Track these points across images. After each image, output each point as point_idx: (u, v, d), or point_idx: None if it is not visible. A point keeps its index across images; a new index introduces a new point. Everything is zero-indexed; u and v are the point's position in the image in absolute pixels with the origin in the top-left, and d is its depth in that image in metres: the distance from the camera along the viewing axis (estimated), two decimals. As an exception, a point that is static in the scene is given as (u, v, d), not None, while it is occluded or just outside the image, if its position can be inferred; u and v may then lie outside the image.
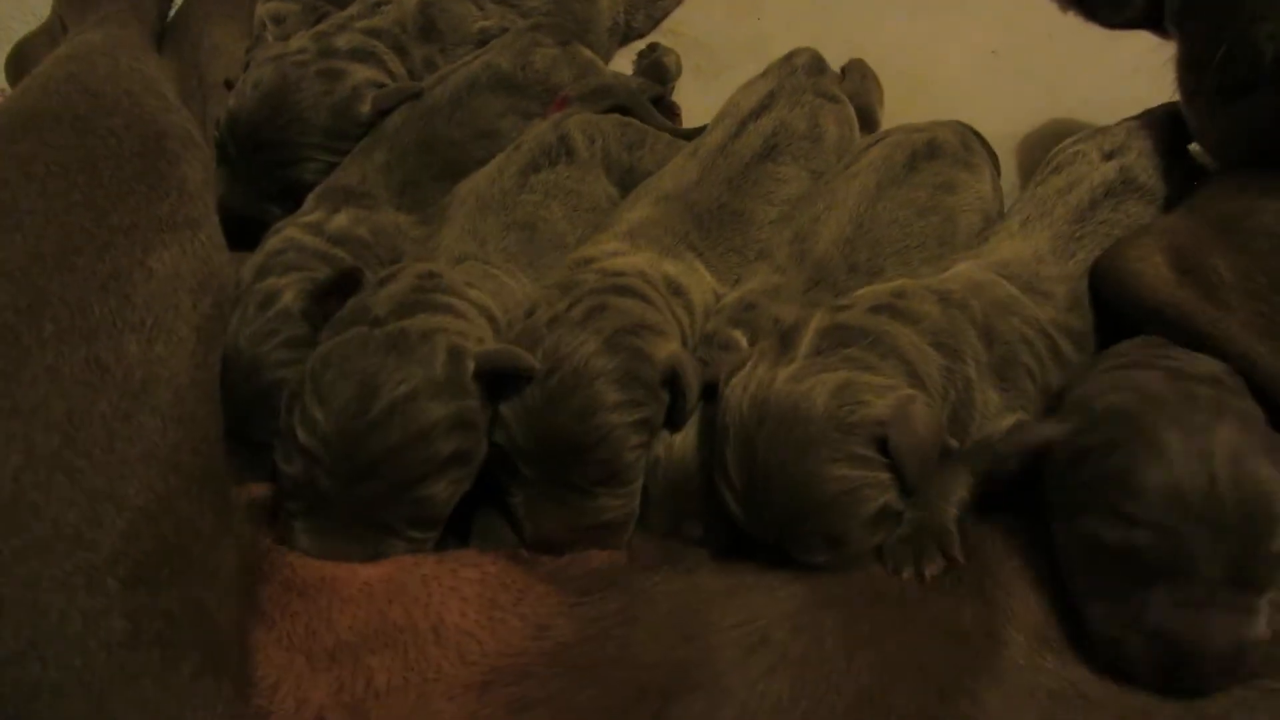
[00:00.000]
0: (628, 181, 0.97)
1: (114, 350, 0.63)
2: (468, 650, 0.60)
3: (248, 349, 0.76)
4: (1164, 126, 0.93)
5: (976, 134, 0.97)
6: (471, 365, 0.71)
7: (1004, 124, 1.00)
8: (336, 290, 0.79)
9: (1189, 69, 0.89)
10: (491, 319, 0.78)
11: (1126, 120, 0.95)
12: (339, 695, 0.58)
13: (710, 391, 0.74)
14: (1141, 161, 0.89)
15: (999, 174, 0.97)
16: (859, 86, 1.13)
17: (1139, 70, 0.96)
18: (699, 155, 0.93)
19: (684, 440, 0.74)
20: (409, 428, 0.68)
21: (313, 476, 0.69)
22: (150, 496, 0.60)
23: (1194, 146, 0.93)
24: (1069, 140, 0.95)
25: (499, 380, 0.72)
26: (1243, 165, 0.85)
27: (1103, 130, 0.95)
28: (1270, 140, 0.82)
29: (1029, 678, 0.59)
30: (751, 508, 0.66)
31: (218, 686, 0.57)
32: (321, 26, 1.09)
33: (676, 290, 0.81)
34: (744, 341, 0.78)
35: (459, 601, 0.63)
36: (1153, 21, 1.16)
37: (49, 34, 1.11)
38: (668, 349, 0.74)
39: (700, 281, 0.85)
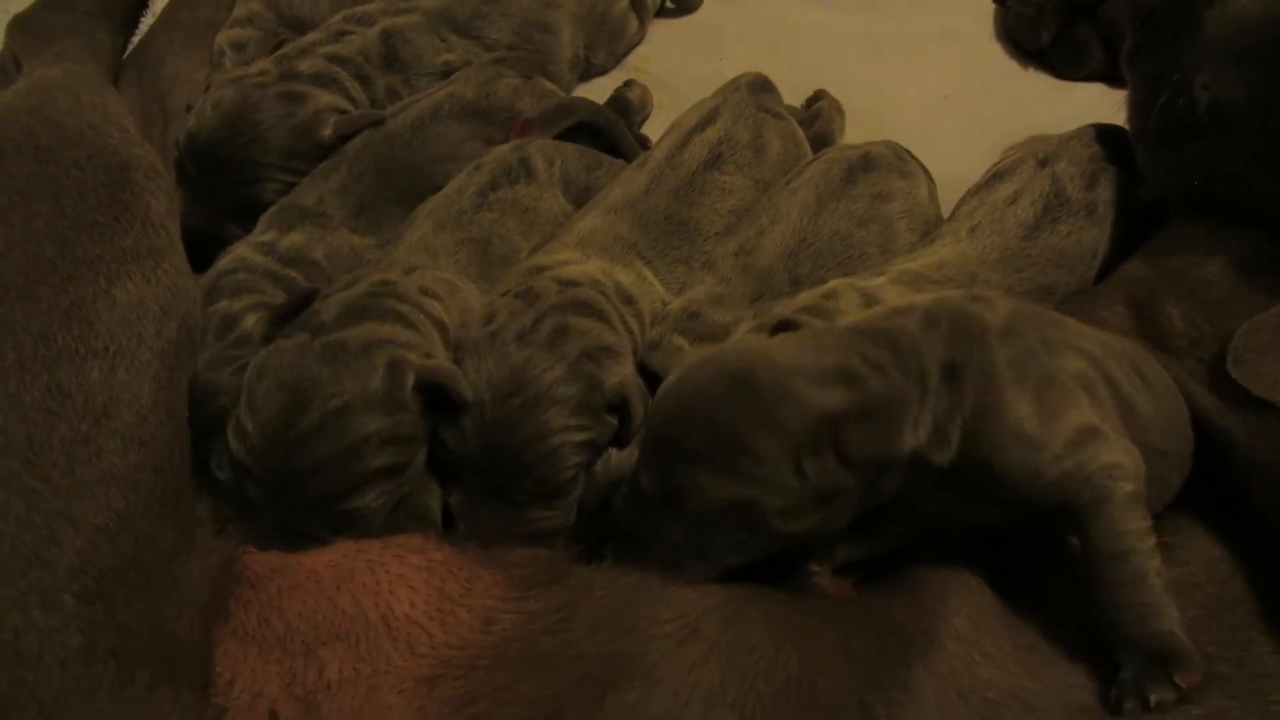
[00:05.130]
0: (583, 200, 0.99)
1: (76, 376, 0.65)
2: (418, 642, 0.61)
3: (204, 375, 0.77)
4: (1094, 141, 0.96)
5: (908, 151, 0.99)
6: (411, 378, 0.73)
7: (955, 166, 1.04)
8: (297, 313, 0.79)
9: (1137, 110, 0.93)
10: (443, 329, 0.79)
11: (1063, 133, 0.99)
12: (290, 687, 0.59)
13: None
14: (1070, 170, 0.92)
15: (935, 189, 1.00)
16: (821, 113, 1.17)
17: (1086, 118, 1.00)
18: (647, 167, 0.96)
19: (620, 450, 0.76)
20: (338, 442, 0.70)
21: (241, 484, 0.70)
22: (109, 515, 0.61)
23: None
24: (1010, 149, 0.99)
25: (440, 393, 0.73)
26: (1184, 206, 0.89)
27: (1039, 139, 0.98)
28: (1206, 186, 0.86)
29: (965, 681, 0.61)
30: None
31: (175, 695, 0.58)
32: (284, 50, 1.11)
33: (628, 299, 0.84)
34: (688, 348, 0.80)
35: (407, 590, 0.64)
36: (1110, 75, 1.22)
37: (1, 70, 1.12)
38: (620, 373, 0.76)
39: (649, 290, 0.87)
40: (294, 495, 0.70)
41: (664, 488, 0.63)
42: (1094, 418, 0.65)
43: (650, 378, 0.79)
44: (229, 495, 0.72)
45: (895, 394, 0.62)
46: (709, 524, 0.63)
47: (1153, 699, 0.59)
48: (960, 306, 0.67)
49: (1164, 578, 0.62)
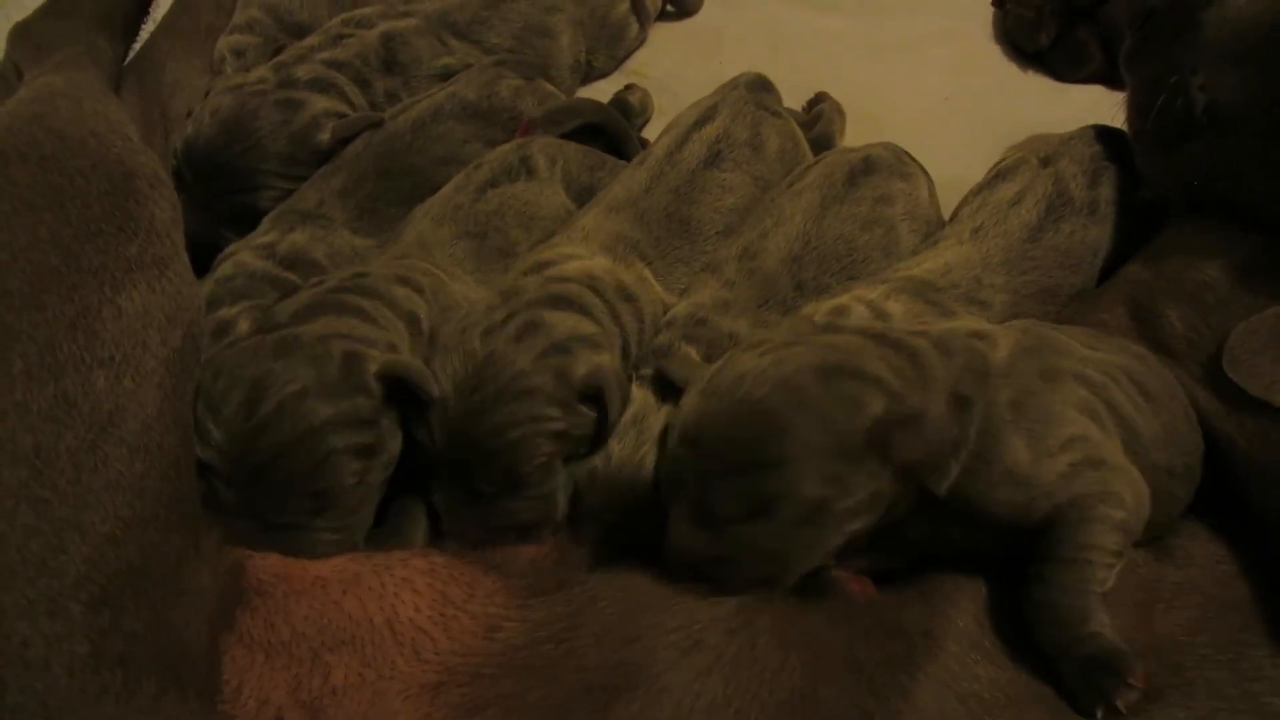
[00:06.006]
0: (585, 200, 0.99)
1: (82, 385, 0.65)
2: (423, 648, 0.62)
3: (201, 378, 0.76)
4: (1095, 140, 0.96)
5: (908, 153, 1.00)
6: (372, 368, 0.73)
7: (955, 168, 1.04)
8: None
9: (1135, 111, 0.93)
10: (414, 322, 0.79)
11: (1064, 133, 0.99)
12: (296, 693, 0.59)
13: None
14: (1072, 169, 0.93)
15: (934, 190, 1.00)
16: (822, 115, 1.17)
17: (1086, 119, 1.00)
18: (647, 164, 0.96)
19: (622, 451, 0.76)
20: (298, 425, 0.70)
21: (213, 488, 0.71)
22: (116, 523, 0.61)
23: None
24: (1011, 148, 0.99)
25: (405, 387, 0.74)
26: (1183, 207, 0.89)
27: (1041, 138, 0.98)
28: (1204, 187, 0.86)
29: (964, 684, 0.62)
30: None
31: (182, 702, 0.58)
32: (282, 57, 1.11)
33: (628, 296, 0.83)
34: (696, 356, 0.80)
35: (411, 594, 0.64)
36: (1109, 77, 1.22)
37: (2, 78, 1.12)
38: (594, 362, 0.75)
39: (649, 291, 0.87)
40: (262, 486, 0.71)
41: (753, 502, 0.62)
42: (1098, 448, 0.65)
43: (669, 386, 0.79)
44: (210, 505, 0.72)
45: (922, 406, 0.63)
46: (794, 528, 0.63)
47: (1120, 703, 0.60)
48: (969, 344, 0.68)
49: (1105, 587, 0.63)
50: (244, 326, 0.82)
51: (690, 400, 0.66)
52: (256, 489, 0.71)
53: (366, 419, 0.73)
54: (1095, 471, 0.65)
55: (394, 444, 0.76)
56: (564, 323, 0.76)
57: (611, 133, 1.12)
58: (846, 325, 0.68)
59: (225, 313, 0.84)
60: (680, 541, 0.66)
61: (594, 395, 0.75)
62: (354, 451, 0.73)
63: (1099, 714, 0.60)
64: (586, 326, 0.77)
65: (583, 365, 0.75)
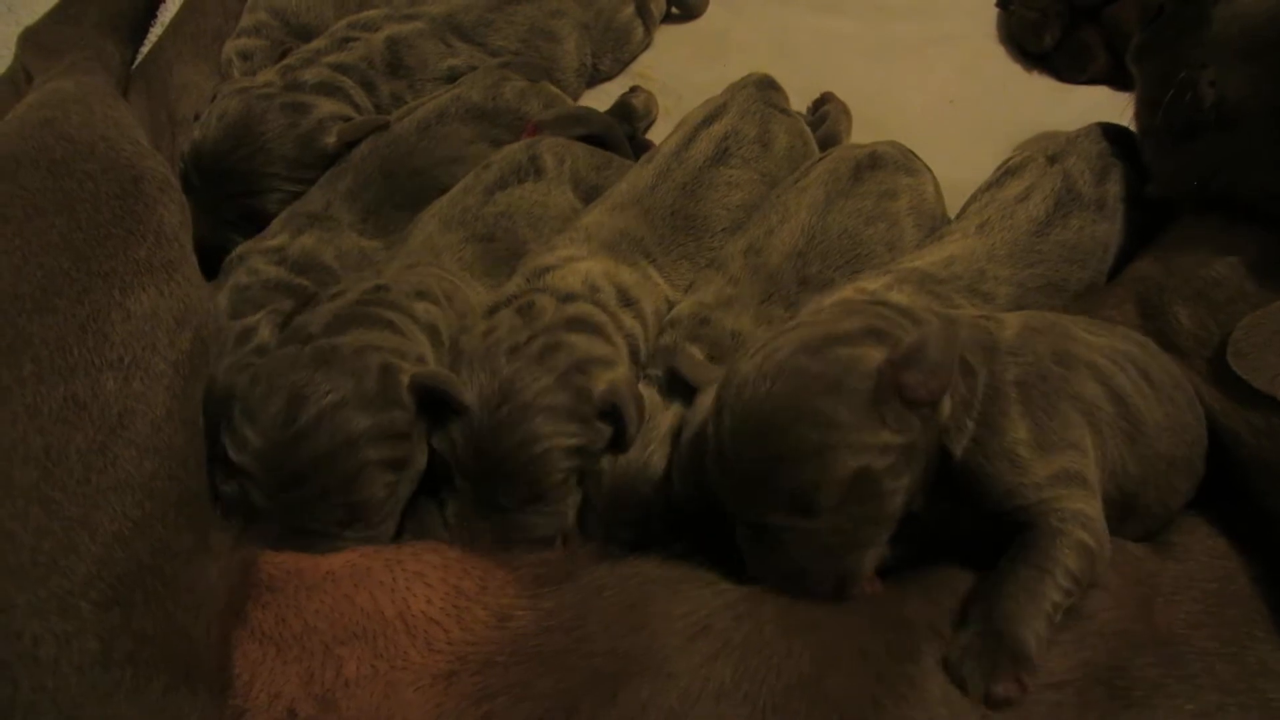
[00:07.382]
0: (593, 198, 0.99)
1: (92, 387, 0.66)
2: (435, 639, 0.62)
3: (224, 379, 0.78)
4: (1102, 137, 0.96)
5: (915, 153, 1.00)
6: (405, 380, 0.74)
7: (960, 170, 1.04)
8: (302, 317, 0.80)
9: (1144, 107, 0.93)
10: (435, 334, 0.80)
11: (1071, 131, 0.99)
12: (309, 686, 0.60)
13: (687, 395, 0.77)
14: (1080, 166, 0.93)
15: (940, 188, 1.00)
16: (828, 116, 1.18)
17: (1090, 120, 1.00)
18: (654, 162, 0.96)
19: (629, 451, 0.77)
20: (336, 436, 0.71)
21: (246, 493, 0.71)
22: (125, 523, 0.62)
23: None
24: (1019, 146, 0.99)
25: (436, 397, 0.75)
26: (1191, 203, 0.89)
27: (1048, 137, 0.99)
28: (1212, 184, 0.86)
29: None
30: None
31: (193, 698, 0.59)
32: (288, 60, 1.11)
33: (627, 301, 0.84)
34: (700, 356, 0.80)
35: (424, 587, 0.65)
36: (1113, 77, 1.22)
37: (12, 83, 1.12)
38: (609, 379, 0.76)
39: (653, 289, 0.88)
40: (298, 493, 0.71)
41: (796, 497, 0.62)
42: (1087, 466, 0.66)
43: (675, 385, 0.80)
44: (237, 508, 0.73)
45: (921, 338, 0.62)
46: (844, 512, 0.62)
47: (999, 689, 0.60)
48: (975, 321, 0.68)
49: (1056, 618, 0.63)
50: (265, 333, 0.83)
51: (710, 428, 0.66)
52: (290, 496, 0.72)
53: (401, 432, 0.74)
54: (1080, 486, 0.65)
55: (421, 458, 0.77)
56: (581, 344, 0.77)
57: (613, 147, 1.12)
58: (828, 302, 0.69)
59: (247, 320, 0.85)
60: (756, 568, 0.66)
61: (610, 411, 0.76)
62: (387, 464, 0.73)
63: (967, 675, 0.60)
64: (600, 348, 0.78)
65: (600, 383, 0.76)
